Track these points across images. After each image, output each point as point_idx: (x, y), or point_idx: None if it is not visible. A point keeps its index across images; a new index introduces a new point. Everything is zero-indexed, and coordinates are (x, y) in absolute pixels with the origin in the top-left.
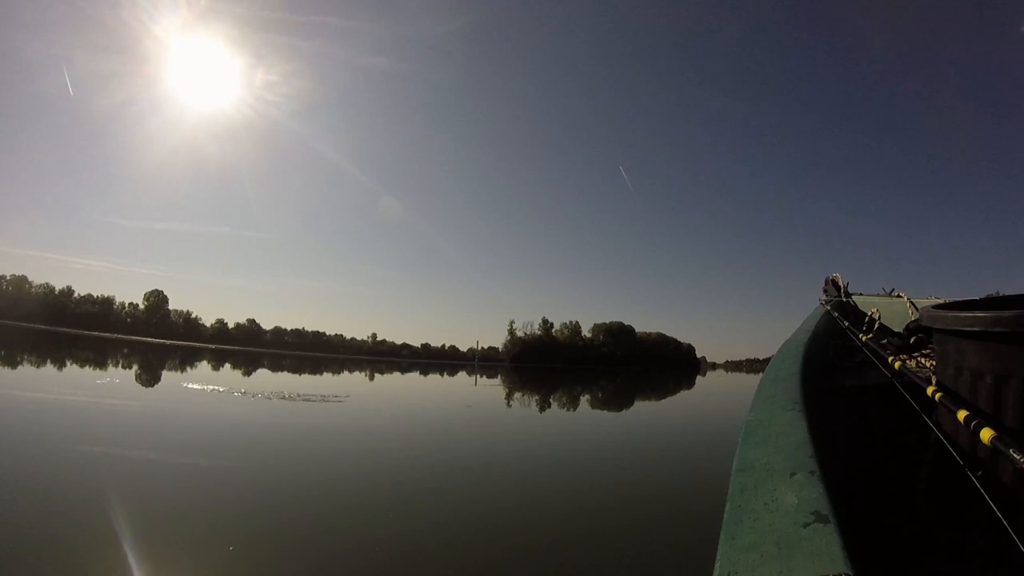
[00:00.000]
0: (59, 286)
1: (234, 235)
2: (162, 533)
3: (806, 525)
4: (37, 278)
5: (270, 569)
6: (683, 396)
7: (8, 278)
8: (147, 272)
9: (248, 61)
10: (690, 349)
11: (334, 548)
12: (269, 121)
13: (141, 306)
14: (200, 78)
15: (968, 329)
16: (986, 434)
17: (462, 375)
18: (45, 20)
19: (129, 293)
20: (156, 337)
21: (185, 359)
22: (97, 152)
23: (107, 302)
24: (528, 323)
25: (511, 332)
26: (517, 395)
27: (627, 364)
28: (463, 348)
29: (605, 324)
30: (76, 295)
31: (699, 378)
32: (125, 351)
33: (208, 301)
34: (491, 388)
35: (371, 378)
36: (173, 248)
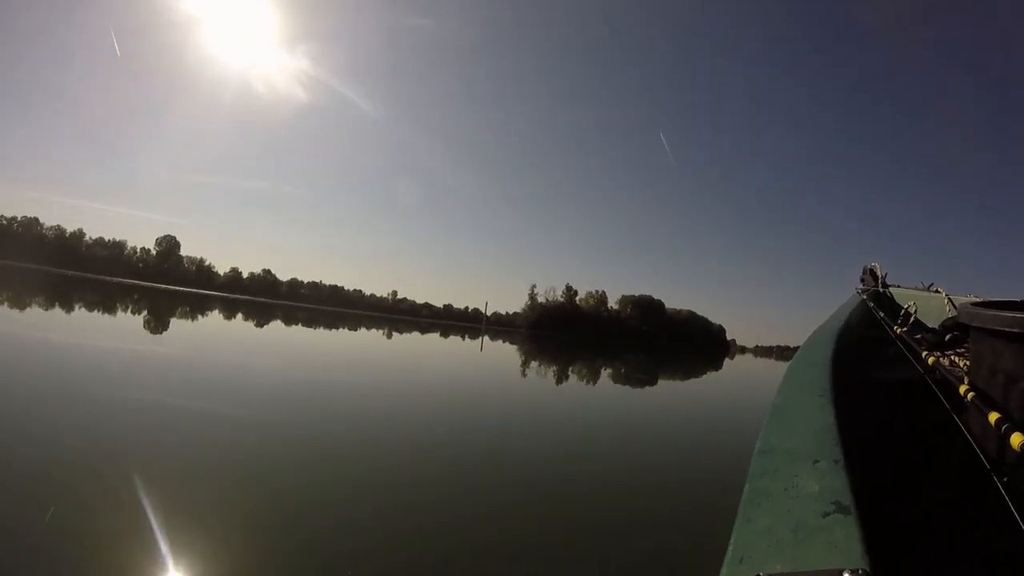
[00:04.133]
0: (71, 229)
1: (266, 189)
2: None
3: (826, 515)
4: (50, 221)
5: None
6: (711, 378)
7: (19, 219)
8: (177, 221)
9: (289, 21)
10: (720, 330)
11: None
12: (307, 78)
13: (153, 251)
14: (240, 37)
15: (1006, 330)
16: (1016, 439)
17: (483, 339)
18: None
19: (148, 240)
20: (167, 283)
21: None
22: (136, 108)
23: (118, 246)
24: (551, 289)
25: (532, 297)
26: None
27: (654, 339)
28: (488, 312)
29: (634, 296)
30: (88, 239)
31: (727, 360)
32: (135, 296)
33: (228, 251)
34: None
35: (389, 335)
36: (199, 199)
